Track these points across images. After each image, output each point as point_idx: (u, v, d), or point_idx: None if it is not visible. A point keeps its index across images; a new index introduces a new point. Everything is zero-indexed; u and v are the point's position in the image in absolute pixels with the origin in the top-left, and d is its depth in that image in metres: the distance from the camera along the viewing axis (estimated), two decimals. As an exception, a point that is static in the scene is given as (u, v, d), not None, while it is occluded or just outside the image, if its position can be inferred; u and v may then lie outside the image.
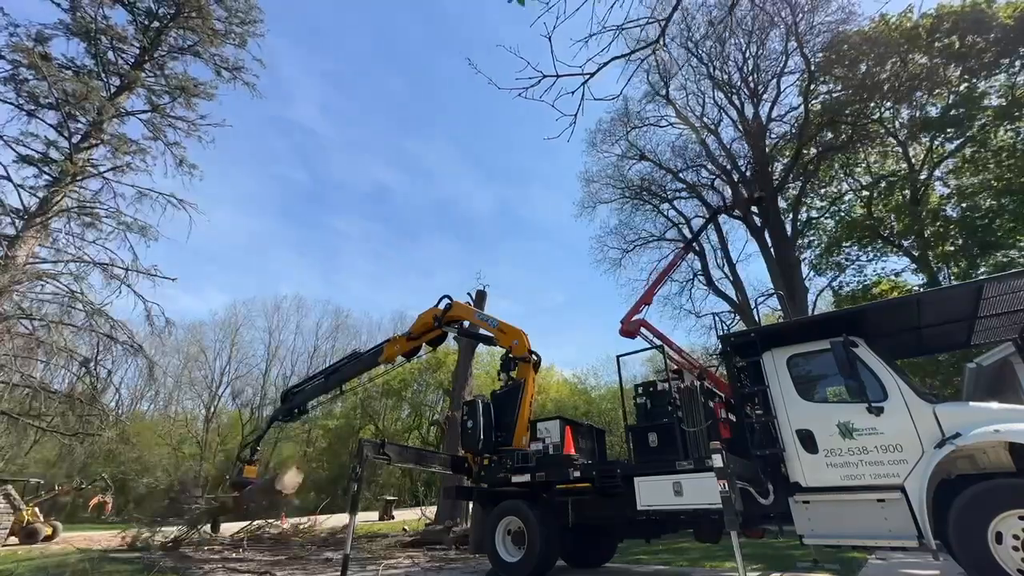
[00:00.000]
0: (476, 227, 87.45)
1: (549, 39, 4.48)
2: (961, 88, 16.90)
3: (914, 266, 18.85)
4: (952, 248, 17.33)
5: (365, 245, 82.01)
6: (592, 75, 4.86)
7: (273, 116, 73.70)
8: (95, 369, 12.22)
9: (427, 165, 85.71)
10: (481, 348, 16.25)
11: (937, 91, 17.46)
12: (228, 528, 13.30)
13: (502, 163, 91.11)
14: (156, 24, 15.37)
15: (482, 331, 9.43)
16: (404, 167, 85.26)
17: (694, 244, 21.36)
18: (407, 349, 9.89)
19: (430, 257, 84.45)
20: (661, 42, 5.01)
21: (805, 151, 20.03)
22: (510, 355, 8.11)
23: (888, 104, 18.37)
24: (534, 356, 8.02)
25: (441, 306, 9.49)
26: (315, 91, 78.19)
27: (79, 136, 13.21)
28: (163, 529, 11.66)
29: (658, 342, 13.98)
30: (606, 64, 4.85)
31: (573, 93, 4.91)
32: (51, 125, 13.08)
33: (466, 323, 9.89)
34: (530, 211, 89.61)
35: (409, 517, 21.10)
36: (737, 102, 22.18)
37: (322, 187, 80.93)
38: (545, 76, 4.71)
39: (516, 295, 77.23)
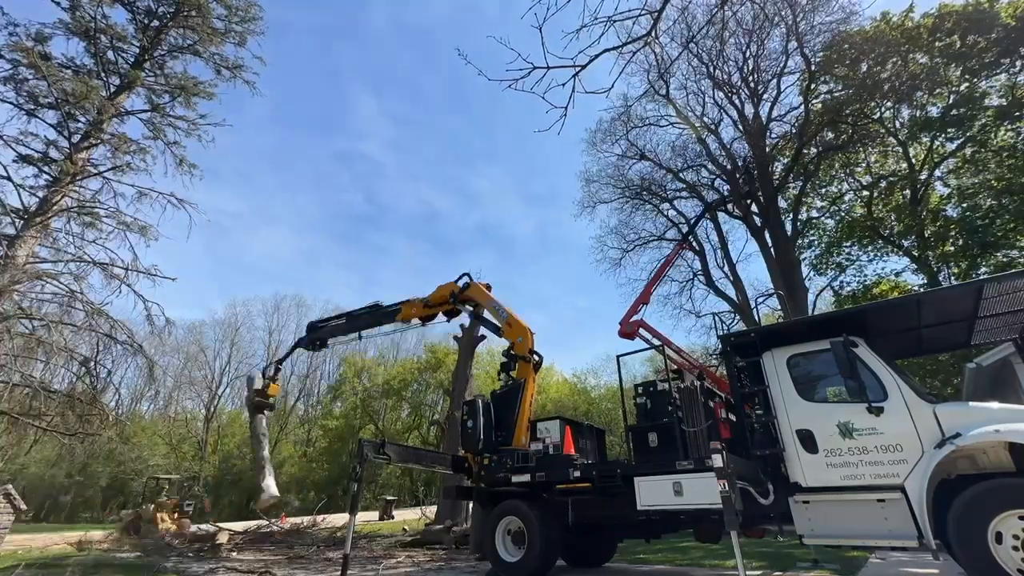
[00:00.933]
0: (516, 245, 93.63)
1: (540, 30, 4.45)
2: (962, 88, 16.88)
3: (914, 266, 18.85)
4: (952, 248, 17.32)
5: (406, 261, 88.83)
6: (583, 67, 4.82)
7: (343, 149, 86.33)
8: (95, 369, 12.20)
9: (477, 191, 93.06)
10: (481, 348, 16.26)
11: (938, 91, 17.44)
12: (227, 528, 13.30)
13: (542, 188, 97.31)
14: (156, 23, 15.34)
15: (491, 318, 9.41)
16: (455, 193, 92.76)
17: (691, 241, 21.34)
18: (423, 315, 10.06)
19: (468, 271, 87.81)
20: (654, 35, 4.96)
21: (805, 151, 20.01)
22: (511, 351, 8.13)
23: (889, 104, 18.35)
24: (535, 356, 8.02)
25: (460, 283, 9.58)
26: (385, 130, 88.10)
27: (79, 136, 13.18)
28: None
29: (657, 342, 13.97)
30: (597, 56, 4.81)
31: (564, 85, 4.88)
32: (51, 125, 13.06)
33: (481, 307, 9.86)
34: (566, 230, 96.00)
35: (409, 517, 21.12)
36: (737, 102, 22.16)
37: (376, 210, 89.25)
38: (536, 68, 4.67)
39: (546, 307, 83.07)
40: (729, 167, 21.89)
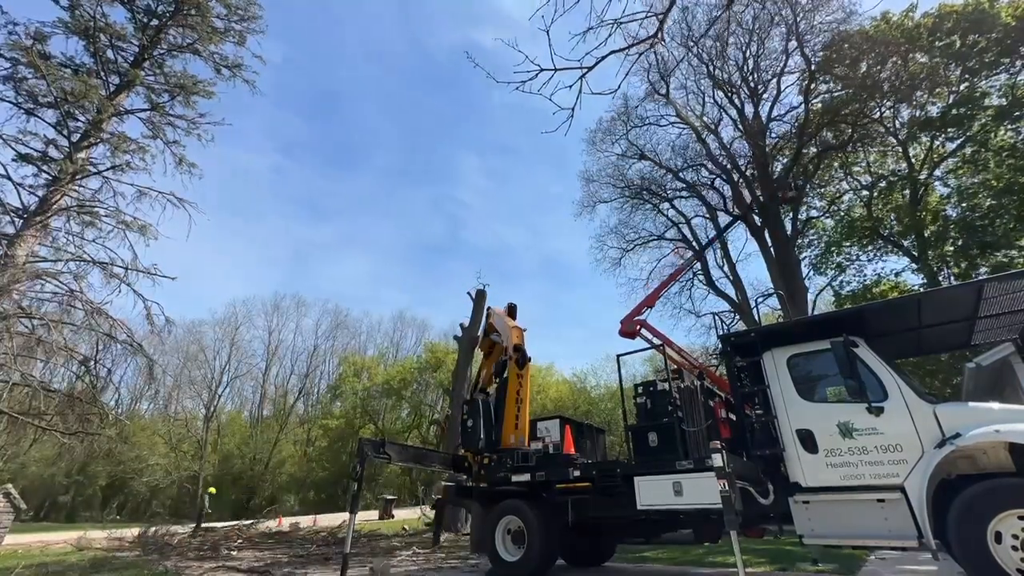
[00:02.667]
0: (574, 272, 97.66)
1: (547, 32, 4.47)
2: (962, 88, 16.87)
3: (914, 266, 18.84)
4: (952, 248, 17.32)
5: (471, 283, 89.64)
6: (590, 69, 4.85)
7: (439, 194, 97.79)
8: (95, 368, 12.17)
9: (546, 226, 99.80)
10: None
11: (938, 90, 17.43)
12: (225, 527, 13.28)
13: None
14: (155, 22, 15.32)
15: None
16: (526, 228, 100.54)
17: (692, 242, 21.41)
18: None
19: (521, 294, 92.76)
20: (659, 36, 4.99)
21: (805, 151, 20.00)
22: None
23: (888, 103, 18.34)
24: (515, 353, 7.93)
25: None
26: (480, 180, 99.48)
27: (78, 135, 13.15)
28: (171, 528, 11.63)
29: (658, 342, 13.98)
30: (604, 58, 4.84)
31: (571, 87, 4.92)
32: (50, 124, 13.01)
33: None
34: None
35: (409, 517, 21.13)
36: (737, 101, 22.15)
37: (453, 242, 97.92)
38: (543, 70, 4.70)
39: (588, 323, 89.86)
40: (729, 167, 21.89)
